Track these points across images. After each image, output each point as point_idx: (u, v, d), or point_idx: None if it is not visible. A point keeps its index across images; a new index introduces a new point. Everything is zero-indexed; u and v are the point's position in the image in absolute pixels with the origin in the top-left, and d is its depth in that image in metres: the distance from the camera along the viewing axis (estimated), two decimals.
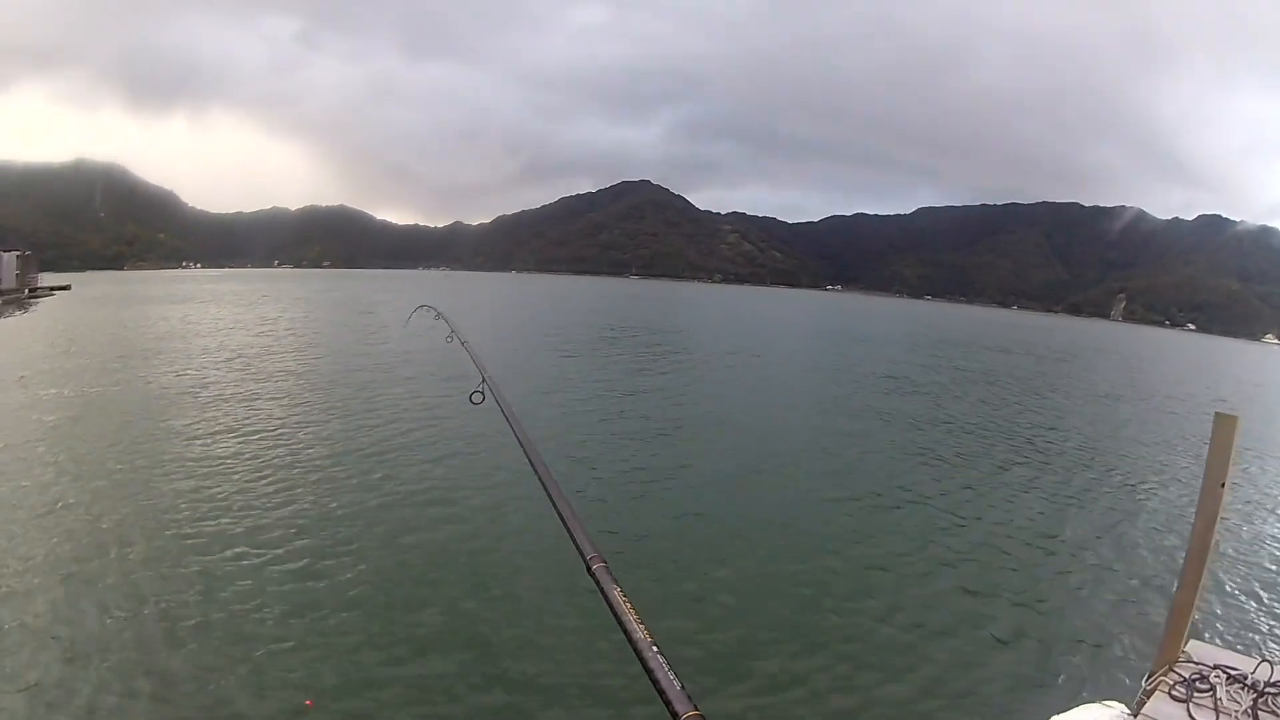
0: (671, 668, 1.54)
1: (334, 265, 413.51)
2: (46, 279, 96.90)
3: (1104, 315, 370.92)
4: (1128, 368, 65.07)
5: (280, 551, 12.11)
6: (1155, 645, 6.46)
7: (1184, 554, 6.24)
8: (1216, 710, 5.15)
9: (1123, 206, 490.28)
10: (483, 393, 4.30)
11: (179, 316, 56.89)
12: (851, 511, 16.13)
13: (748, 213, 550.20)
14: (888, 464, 20.85)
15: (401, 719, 8.17)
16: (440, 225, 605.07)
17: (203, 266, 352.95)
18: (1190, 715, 5.11)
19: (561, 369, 35.12)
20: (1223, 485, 5.79)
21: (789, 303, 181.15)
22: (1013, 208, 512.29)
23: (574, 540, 2.22)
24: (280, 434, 20.03)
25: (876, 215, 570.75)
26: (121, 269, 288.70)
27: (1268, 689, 5.30)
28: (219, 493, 14.96)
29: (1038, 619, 11.13)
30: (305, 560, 11.87)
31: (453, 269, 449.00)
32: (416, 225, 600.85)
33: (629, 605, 1.76)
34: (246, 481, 15.76)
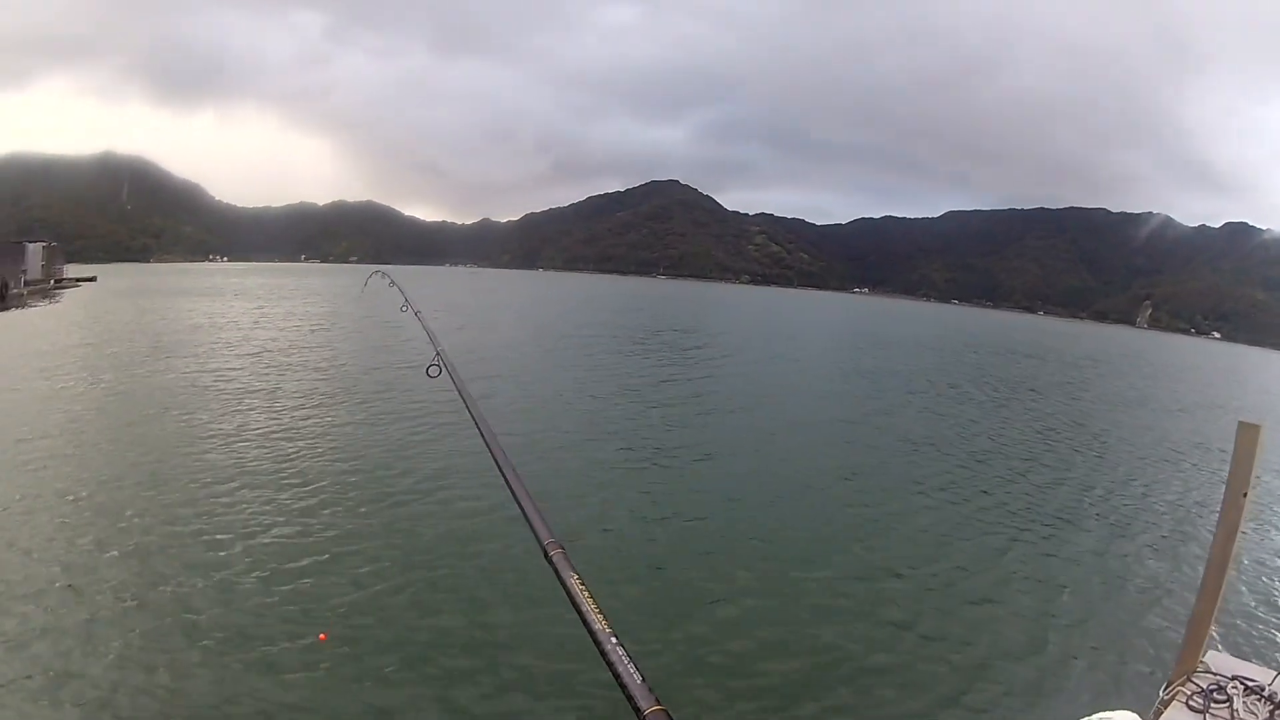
0: (633, 660, 1.48)
1: (361, 260, 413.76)
2: (73, 270, 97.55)
3: (1129, 322, 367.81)
4: (1152, 375, 64.77)
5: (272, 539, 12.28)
6: (1173, 655, 6.40)
7: (1204, 563, 6.18)
8: None
9: (1150, 213, 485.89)
10: (439, 366, 4.20)
11: (204, 310, 57.25)
12: (867, 513, 16.21)
13: (776, 214, 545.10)
14: (906, 464, 21.01)
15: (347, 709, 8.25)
16: (468, 222, 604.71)
17: (229, 260, 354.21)
18: None
19: (584, 370, 35.19)
20: (1245, 494, 5.72)
21: (816, 305, 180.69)
22: (1041, 212, 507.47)
23: (530, 525, 2.15)
24: (294, 429, 20.19)
25: (904, 218, 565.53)
26: (148, 261, 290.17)
27: None
28: (228, 490, 15.11)
29: (1055, 627, 11.08)
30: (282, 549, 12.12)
31: (480, 266, 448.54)
32: (444, 222, 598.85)
33: (587, 594, 1.68)
34: (265, 479, 15.94)
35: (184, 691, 8.24)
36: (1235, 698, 5.32)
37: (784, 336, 68.33)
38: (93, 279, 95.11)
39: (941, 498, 17.76)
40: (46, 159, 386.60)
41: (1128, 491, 19.96)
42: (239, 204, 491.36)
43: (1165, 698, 5.60)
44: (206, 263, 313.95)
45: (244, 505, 14.09)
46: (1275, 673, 5.73)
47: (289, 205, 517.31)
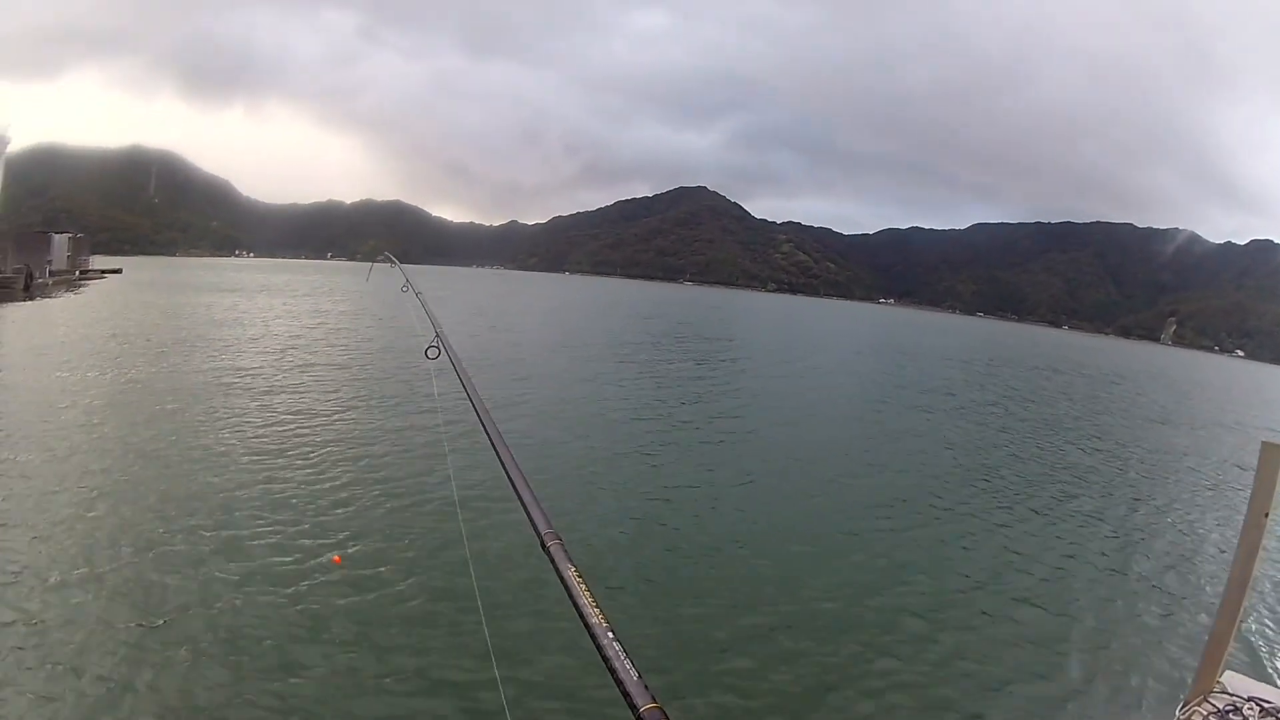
0: (629, 656, 1.46)
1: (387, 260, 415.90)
2: (99, 262, 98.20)
3: (1153, 338, 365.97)
4: (1176, 393, 64.46)
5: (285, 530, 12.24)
6: (1191, 674, 6.34)
7: (1223, 583, 6.11)
8: None
9: (1176, 229, 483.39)
10: (438, 348, 4.17)
11: (226, 305, 57.45)
12: (884, 524, 16.12)
13: (803, 223, 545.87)
14: (928, 476, 20.94)
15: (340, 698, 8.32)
16: (495, 224, 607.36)
17: (255, 256, 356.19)
18: None
19: (609, 378, 35.15)
20: (1266, 515, 5.66)
21: (843, 315, 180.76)
22: (1066, 226, 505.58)
23: (529, 516, 2.09)
24: (306, 417, 20.26)
25: (931, 230, 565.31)
26: (174, 255, 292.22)
27: None
28: (242, 478, 15.20)
29: (1074, 644, 11.01)
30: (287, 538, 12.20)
31: (506, 268, 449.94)
32: (471, 223, 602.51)
33: (584, 587, 1.65)
34: (279, 455, 16.04)
35: (196, 682, 8.27)
36: (1252, 718, 5.26)
37: (811, 346, 68.24)
38: (118, 271, 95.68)
39: (961, 511, 17.70)
40: (75, 151, 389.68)
41: (1149, 509, 19.86)
42: (266, 200, 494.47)
43: (1182, 717, 5.55)
44: (232, 258, 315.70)
45: (253, 500, 14.13)
46: None
47: (316, 203, 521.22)
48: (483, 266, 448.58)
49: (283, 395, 23.73)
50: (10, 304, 49.24)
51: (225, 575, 10.76)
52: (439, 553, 12.06)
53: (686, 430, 23.87)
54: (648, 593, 11.56)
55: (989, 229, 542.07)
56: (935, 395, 39.22)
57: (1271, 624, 12.04)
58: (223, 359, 29.97)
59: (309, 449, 17.72)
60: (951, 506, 17.98)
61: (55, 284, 65.73)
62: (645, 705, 1.33)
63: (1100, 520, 18.07)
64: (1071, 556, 15.08)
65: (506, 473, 2.31)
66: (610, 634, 1.50)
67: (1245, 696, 5.53)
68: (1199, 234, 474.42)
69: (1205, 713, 5.41)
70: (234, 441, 17.94)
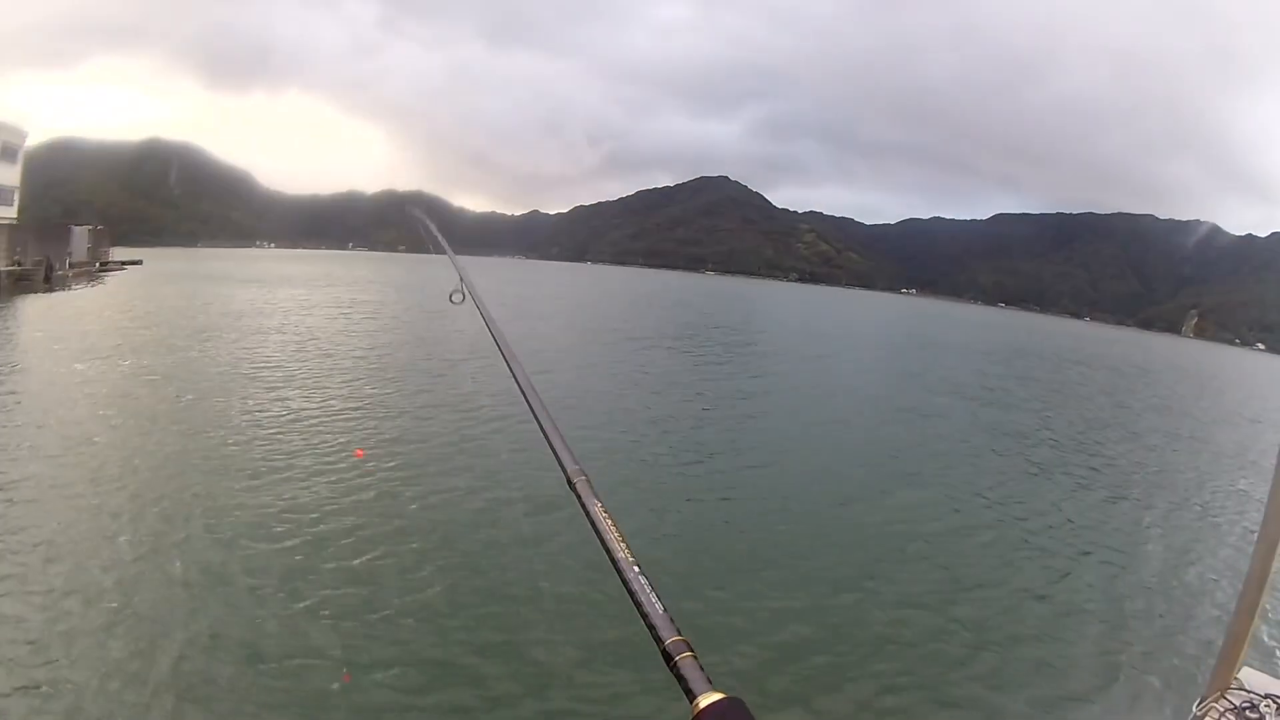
0: (655, 589, 1.44)
1: (408, 250, 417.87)
2: (119, 254, 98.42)
3: (1175, 331, 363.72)
4: (1199, 386, 64.50)
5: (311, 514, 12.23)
6: (1209, 670, 6.24)
7: (1242, 578, 6.02)
8: None
9: (1197, 221, 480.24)
10: (463, 293, 4.14)
11: (246, 296, 57.56)
12: (905, 514, 16.15)
13: (825, 212, 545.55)
14: (949, 466, 21.01)
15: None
16: (517, 213, 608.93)
17: (276, 246, 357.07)
18: None
19: (636, 366, 35.06)
20: None
21: (866, 305, 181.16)
22: (1089, 217, 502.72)
23: (555, 453, 2.02)
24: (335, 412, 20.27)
25: (954, 220, 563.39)
26: (194, 246, 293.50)
27: None
28: (259, 469, 15.21)
29: (1090, 637, 10.97)
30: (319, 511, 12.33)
31: (528, 257, 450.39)
32: (493, 212, 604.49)
33: (611, 522, 1.63)
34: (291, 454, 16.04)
35: (217, 669, 8.29)
36: (1268, 716, 5.17)
37: (838, 337, 68.41)
38: (138, 262, 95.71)
39: (979, 504, 17.69)
40: (94, 144, 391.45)
41: (1168, 502, 19.76)
42: (287, 191, 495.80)
43: (1198, 714, 5.44)
44: (253, 249, 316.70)
45: (270, 477, 14.26)
46: None
47: (337, 193, 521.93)
48: (505, 255, 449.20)
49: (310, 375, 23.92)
50: (30, 295, 49.46)
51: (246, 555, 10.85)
52: (469, 496, 12.24)
53: (733, 422, 23.98)
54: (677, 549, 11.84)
55: (1010, 219, 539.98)
56: (961, 388, 39.06)
57: None
58: (245, 349, 30.08)
59: (343, 421, 17.86)
60: (970, 496, 18.07)
61: (75, 275, 65.89)
62: (671, 638, 1.32)
63: (1119, 513, 18.07)
64: (1089, 551, 15.02)
65: (532, 411, 2.21)
66: (636, 568, 1.49)
67: (1263, 694, 5.43)
68: (1220, 226, 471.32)
69: (1222, 709, 5.30)
70: (253, 433, 18.01)
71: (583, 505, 1.74)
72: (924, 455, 21.98)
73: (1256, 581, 5.69)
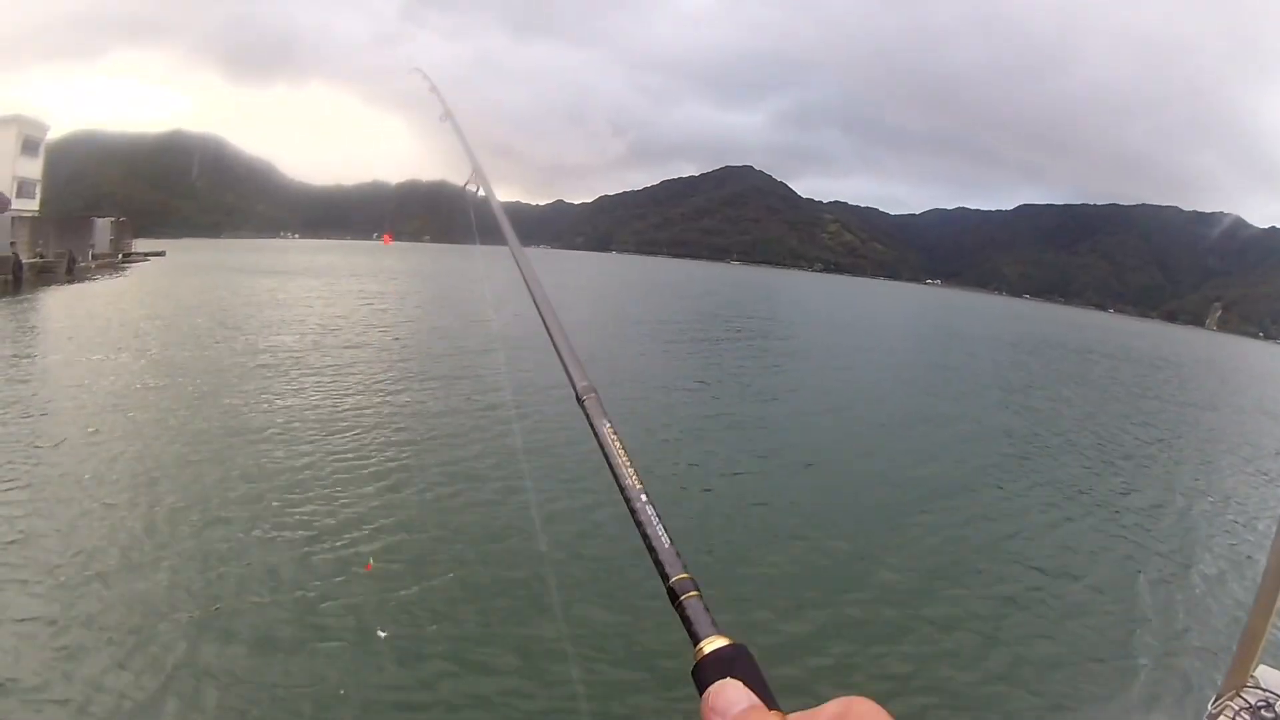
0: (662, 522, 1.33)
1: (433, 239, 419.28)
2: (142, 245, 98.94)
3: (1199, 323, 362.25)
4: (1224, 379, 64.53)
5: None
6: (1225, 667, 6.17)
7: (1260, 573, 5.94)
8: None
9: (1221, 213, 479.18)
10: (477, 186, 4.00)
11: (266, 287, 57.64)
12: (926, 499, 16.22)
13: (850, 202, 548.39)
14: (969, 456, 20.95)
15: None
16: (542, 203, 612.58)
17: (300, 237, 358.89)
18: None
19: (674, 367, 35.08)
20: None
21: (892, 296, 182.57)
22: (1113, 209, 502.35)
23: (565, 367, 1.90)
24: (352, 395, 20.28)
25: (978, 210, 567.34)
26: (218, 237, 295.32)
27: None
28: (282, 455, 15.23)
29: (1107, 632, 10.89)
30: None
31: (553, 247, 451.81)
32: (518, 203, 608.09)
33: (619, 445, 1.50)
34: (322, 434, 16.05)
35: (233, 663, 8.22)
36: None
37: (865, 328, 68.73)
38: (161, 254, 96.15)
39: (999, 494, 17.59)
40: (117, 135, 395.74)
41: (1189, 496, 19.57)
42: (311, 182, 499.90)
43: (1214, 711, 5.40)
44: (278, 240, 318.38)
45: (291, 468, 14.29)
46: None
47: (361, 184, 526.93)
48: (529, 246, 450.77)
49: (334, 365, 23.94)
50: (53, 287, 49.88)
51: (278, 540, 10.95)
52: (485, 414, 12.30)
53: (757, 413, 23.90)
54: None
55: (1035, 210, 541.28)
56: (988, 379, 39.09)
57: None
58: (268, 339, 30.13)
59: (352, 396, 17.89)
60: (990, 487, 17.97)
61: (98, 267, 66.21)
62: (677, 575, 1.21)
63: (1139, 506, 17.93)
64: (1107, 546, 14.88)
65: (544, 322, 2.05)
66: (644, 496, 1.37)
67: (1278, 692, 5.37)
68: (1245, 219, 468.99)
69: (1238, 708, 5.25)
70: (279, 421, 18.08)
71: (591, 424, 1.61)
72: (948, 442, 22.10)
73: (1275, 578, 5.61)
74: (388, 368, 26.01)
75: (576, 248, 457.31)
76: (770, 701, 0.80)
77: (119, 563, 10.26)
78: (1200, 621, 11.55)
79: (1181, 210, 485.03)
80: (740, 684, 0.84)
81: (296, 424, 18.16)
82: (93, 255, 69.00)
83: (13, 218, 56.15)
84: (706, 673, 0.90)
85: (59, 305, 40.35)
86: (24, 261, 51.25)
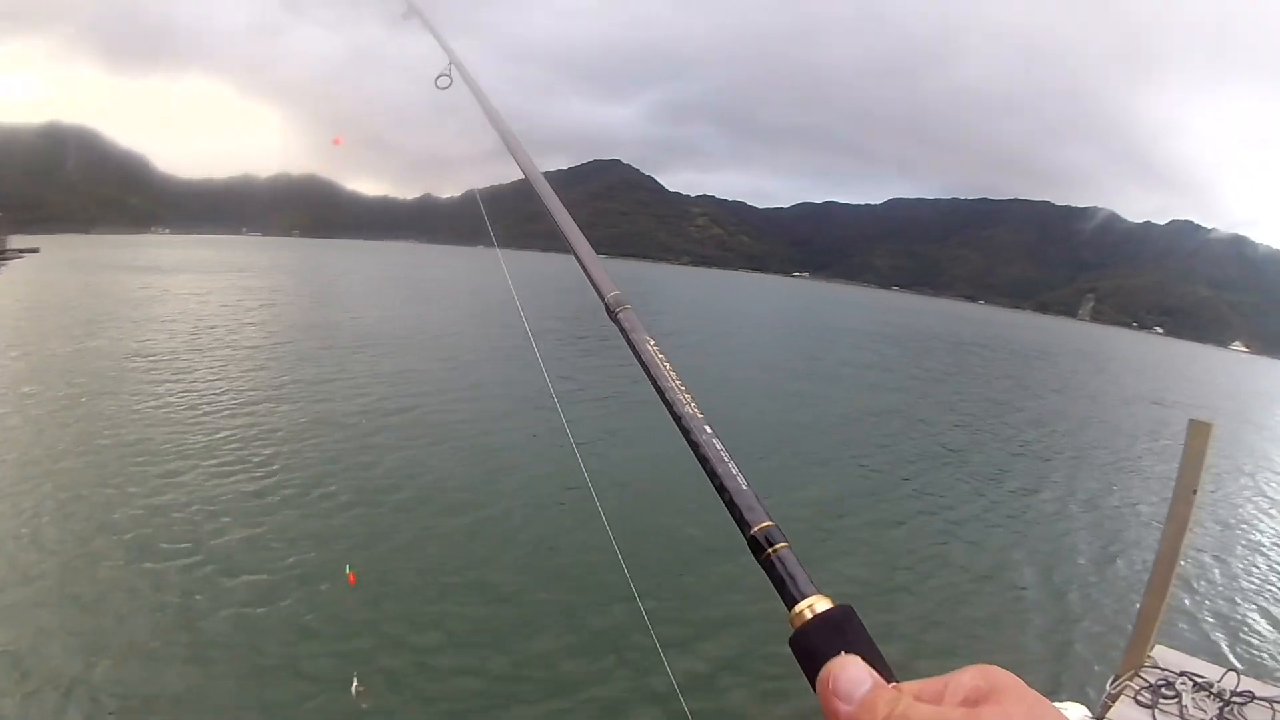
0: (734, 459, 1.00)
1: (302, 234, 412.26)
2: (16, 242, 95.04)
3: (1071, 314, 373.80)
4: (1102, 369, 65.80)
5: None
6: (1121, 650, 6.45)
7: (1153, 558, 6.25)
8: (1182, 717, 5.15)
9: (1095, 207, 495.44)
10: (449, 76, 3.75)
11: (138, 284, 55.67)
12: (817, 503, 15.80)
13: (718, 196, 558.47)
14: (856, 452, 20.77)
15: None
16: (410, 197, 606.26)
17: (172, 232, 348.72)
18: None
19: None
20: (1194, 491, 5.80)
21: (759, 289, 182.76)
22: (984, 203, 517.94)
23: (590, 279, 1.61)
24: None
25: (848, 204, 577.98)
26: (90, 233, 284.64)
27: (1234, 698, 5.32)
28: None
29: (1002, 620, 11.11)
30: None
31: (421, 242, 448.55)
32: (386, 197, 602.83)
33: (668, 366, 1.18)
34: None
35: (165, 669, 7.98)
36: (1184, 694, 5.39)
37: (732, 322, 68.30)
38: (35, 250, 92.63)
39: (884, 484, 17.75)
40: None
41: (1078, 486, 19.92)
42: (184, 175, 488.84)
43: (1113, 691, 5.67)
44: (150, 235, 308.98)
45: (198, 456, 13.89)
46: (1223, 670, 5.81)
47: (231, 177, 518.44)
48: (399, 240, 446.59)
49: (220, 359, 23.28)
50: None
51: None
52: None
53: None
54: None
55: (906, 204, 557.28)
56: (864, 373, 39.16)
57: (1201, 600, 12.25)
58: (144, 339, 29.13)
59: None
60: (882, 484, 17.92)
61: None
62: (761, 523, 0.92)
63: (1029, 497, 18.23)
64: (996, 536, 15.06)
65: (563, 234, 1.62)
66: (708, 429, 1.04)
67: (1177, 671, 5.67)
68: (1118, 213, 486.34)
69: (1137, 687, 5.53)
70: (165, 423, 17.46)
71: (630, 341, 1.30)
72: (832, 440, 21.98)
73: (1166, 562, 5.97)
74: (262, 378, 25.38)
75: (446, 242, 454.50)
76: (888, 674, 0.70)
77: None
78: (1094, 606, 11.80)
79: (1054, 204, 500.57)
80: (860, 660, 0.71)
81: (181, 420, 17.72)
82: None
83: None
84: (813, 641, 0.74)
85: None
86: None
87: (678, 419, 1.08)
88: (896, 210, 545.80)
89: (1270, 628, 11.59)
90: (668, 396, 1.12)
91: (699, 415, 1.07)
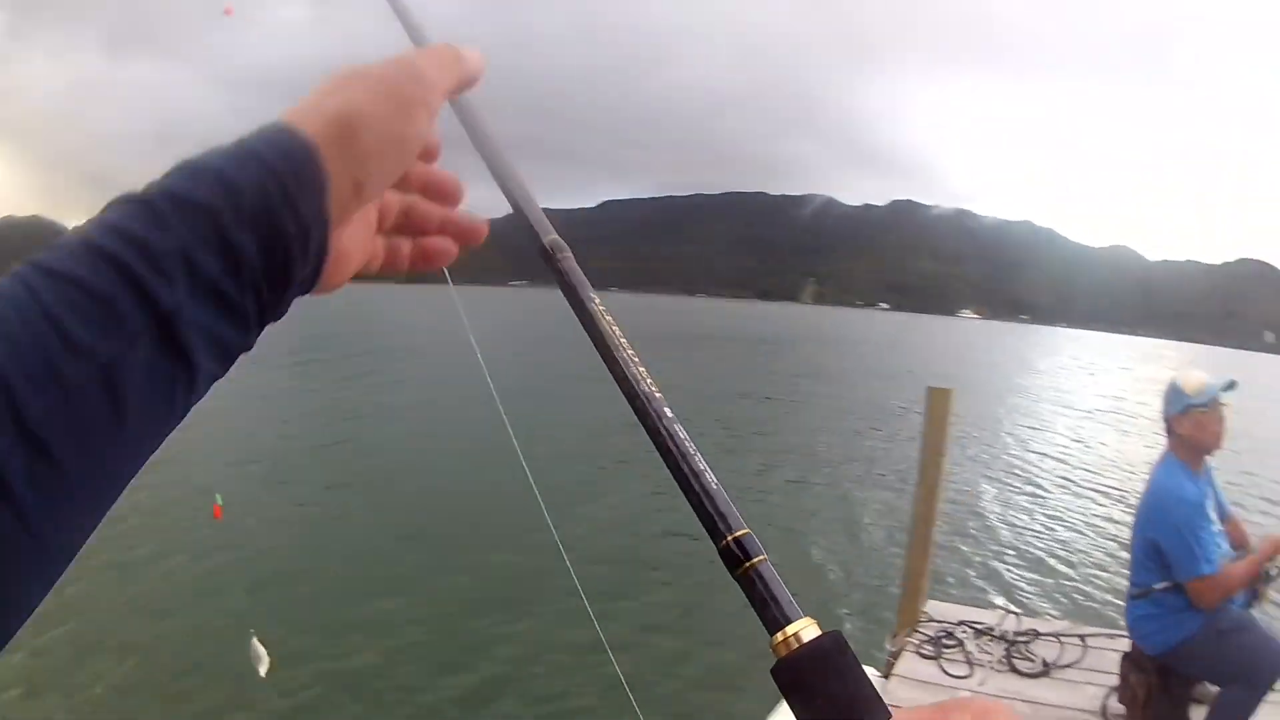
0: (700, 452, 0.58)
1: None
2: None
3: (794, 299, 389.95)
4: (830, 349, 68.53)
5: None
6: (894, 610, 6.70)
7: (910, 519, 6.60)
8: (969, 663, 5.41)
9: (812, 195, 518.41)
10: None
11: None
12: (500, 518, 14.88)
13: None
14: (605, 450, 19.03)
15: None
16: None
17: None
18: (944, 670, 5.38)
19: None
20: (942, 454, 6.15)
21: (475, 300, 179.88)
22: (699, 198, 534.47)
23: (526, 217, 0.94)
24: None
25: (560, 210, 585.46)
26: None
27: (1017, 638, 5.62)
28: None
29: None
30: None
31: None
32: None
33: (615, 328, 0.64)
34: None
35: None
36: (966, 640, 5.67)
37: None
38: None
39: (619, 476, 16.79)
40: None
41: (831, 463, 20.14)
42: None
43: (893, 649, 5.91)
44: None
45: None
46: (1000, 614, 6.19)
47: None
48: None
49: None
50: None
51: None
52: None
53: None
54: None
55: (620, 205, 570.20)
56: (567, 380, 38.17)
57: (962, 553, 12.79)
58: None
59: None
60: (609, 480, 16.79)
61: None
62: (738, 531, 0.54)
63: (782, 478, 18.29)
64: (756, 506, 15.03)
65: (488, 163, 1.21)
66: (668, 411, 0.61)
67: (955, 621, 5.97)
68: (836, 198, 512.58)
69: (918, 641, 5.75)
70: None
71: (569, 295, 0.67)
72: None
73: (923, 521, 6.33)
74: None
75: None
76: (880, 705, 0.45)
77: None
78: (864, 571, 12.01)
79: (769, 195, 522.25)
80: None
81: None
82: None
83: None
84: (804, 676, 0.50)
85: None
86: None
87: (634, 400, 0.65)
88: (611, 212, 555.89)
89: (1034, 574, 12.17)
90: (621, 367, 0.66)
91: (658, 394, 0.67)
